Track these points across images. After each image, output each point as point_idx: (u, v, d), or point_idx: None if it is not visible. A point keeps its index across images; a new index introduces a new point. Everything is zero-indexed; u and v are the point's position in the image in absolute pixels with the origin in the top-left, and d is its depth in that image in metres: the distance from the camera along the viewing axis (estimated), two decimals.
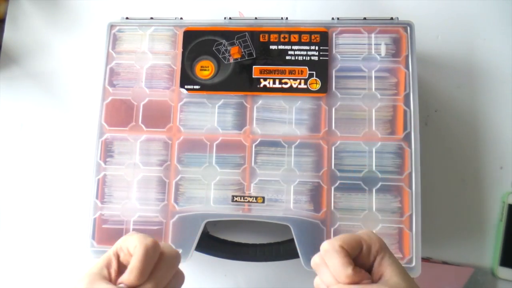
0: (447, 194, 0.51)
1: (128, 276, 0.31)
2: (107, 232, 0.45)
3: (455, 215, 0.51)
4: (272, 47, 0.47)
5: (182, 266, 0.45)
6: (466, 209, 0.51)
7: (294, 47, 0.47)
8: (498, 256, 0.49)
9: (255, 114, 0.46)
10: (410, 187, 0.43)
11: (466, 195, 0.51)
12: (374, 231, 0.37)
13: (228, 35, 0.47)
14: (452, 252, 0.50)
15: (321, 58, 0.46)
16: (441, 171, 0.52)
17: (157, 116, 0.47)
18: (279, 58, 0.46)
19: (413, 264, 0.42)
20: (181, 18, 0.49)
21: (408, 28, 0.46)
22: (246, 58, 0.47)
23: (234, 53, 0.47)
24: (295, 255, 0.43)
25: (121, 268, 0.33)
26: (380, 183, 0.44)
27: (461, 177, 0.52)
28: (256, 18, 0.48)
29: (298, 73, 0.46)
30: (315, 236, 0.43)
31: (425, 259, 0.49)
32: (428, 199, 0.50)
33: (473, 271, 0.49)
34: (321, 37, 0.46)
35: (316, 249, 0.42)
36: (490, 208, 0.51)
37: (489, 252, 0.50)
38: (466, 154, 0.52)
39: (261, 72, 0.46)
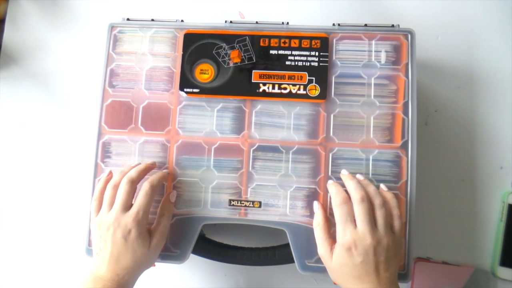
0: (447, 194, 0.51)
1: None
2: None
3: (455, 215, 0.51)
4: (272, 51, 0.47)
5: (182, 266, 0.45)
6: (466, 209, 0.51)
7: (294, 52, 0.46)
8: (498, 256, 0.49)
9: (253, 118, 0.46)
10: (406, 196, 0.43)
11: (466, 195, 0.51)
12: None
13: (229, 38, 0.47)
14: (452, 252, 0.50)
15: (321, 64, 0.46)
16: (441, 171, 0.52)
17: (156, 119, 0.47)
18: (279, 63, 0.46)
19: (405, 270, 0.42)
20: (182, 21, 0.49)
21: (409, 36, 0.46)
22: (246, 62, 0.47)
23: (234, 57, 0.47)
24: (290, 260, 0.44)
25: None
26: None
27: (461, 177, 0.52)
28: (257, 22, 0.48)
29: (298, 79, 0.46)
30: (310, 241, 0.43)
31: (425, 259, 0.50)
32: (428, 199, 0.51)
33: (473, 271, 0.49)
34: (322, 43, 0.46)
35: (311, 254, 0.43)
36: (490, 208, 0.51)
37: (489, 252, 0.50)
38: (466, 154, 0.52)
39: (260, 76, 0.46)
